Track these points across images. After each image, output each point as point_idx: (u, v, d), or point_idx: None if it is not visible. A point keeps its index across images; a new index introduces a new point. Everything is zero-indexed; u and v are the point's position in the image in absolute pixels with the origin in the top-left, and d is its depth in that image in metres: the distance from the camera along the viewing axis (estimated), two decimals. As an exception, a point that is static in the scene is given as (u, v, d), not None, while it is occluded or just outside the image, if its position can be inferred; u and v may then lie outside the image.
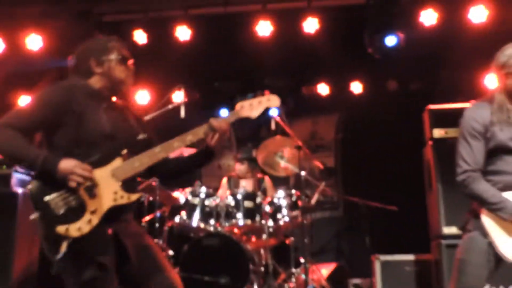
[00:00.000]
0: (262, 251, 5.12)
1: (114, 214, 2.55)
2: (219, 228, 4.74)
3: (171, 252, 4.82)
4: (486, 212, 2.83)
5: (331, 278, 5.51)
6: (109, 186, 2.55)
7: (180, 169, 2.98)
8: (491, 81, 5.51)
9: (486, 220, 2.82)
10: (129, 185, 2.60)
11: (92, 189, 2.52)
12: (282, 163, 5.37)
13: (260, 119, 6.42)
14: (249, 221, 4.79)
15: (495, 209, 2.77)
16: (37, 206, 2.49)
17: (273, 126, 5.67)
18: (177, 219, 4.87)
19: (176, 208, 5.00)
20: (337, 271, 5.74)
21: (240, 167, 5.76)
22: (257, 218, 4.82)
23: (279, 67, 6.67)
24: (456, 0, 5.61)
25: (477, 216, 2.87)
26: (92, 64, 2.76)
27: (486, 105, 2.99)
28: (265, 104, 2.87)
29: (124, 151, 2.62)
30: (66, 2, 5.76)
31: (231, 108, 7.32)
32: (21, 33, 5.90)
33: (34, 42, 5.90)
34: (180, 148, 2.70)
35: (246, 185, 5.63)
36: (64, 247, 2.46)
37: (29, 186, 2.53)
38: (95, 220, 2.50)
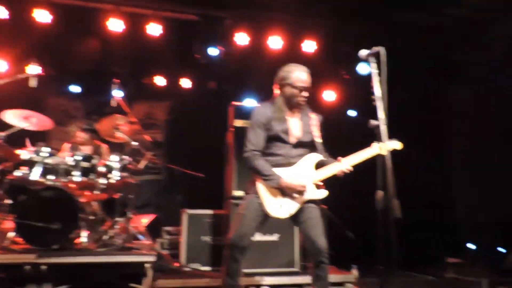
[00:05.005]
0: (94, 204, 4.69)
1: None
2: (56, 183, 4.19)
3: (9, 201, 4.13)
4: (261, 181, 2.91)
5: (149, 226, 5.32)
6: None
7: None
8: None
9: (260, 187, 2.91)
10: None
11: None
12: (118, 134, 4.99)
13: (106, 98, 5.86)
14: (84, 178, 4.33)
15: (266, 179, 2.86)
16: None
17: (114, 104, 5.24)
18: (18, 173, 4.18)
19: (20, 164, 4.29)
20: (155, 220, 5.58)
21: (81, 135, 5.21)
22: (92, 176, 4.38)
23: (125, 57, 6.20)
24: (260, 29, 5.78)
25: (254, 184, 2.94)
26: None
27: (269, 105, 3.08)
28: None
29: None
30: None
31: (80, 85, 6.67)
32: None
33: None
34: None
35: (85, 150, 5.11)
36: None
37: None
38: None
